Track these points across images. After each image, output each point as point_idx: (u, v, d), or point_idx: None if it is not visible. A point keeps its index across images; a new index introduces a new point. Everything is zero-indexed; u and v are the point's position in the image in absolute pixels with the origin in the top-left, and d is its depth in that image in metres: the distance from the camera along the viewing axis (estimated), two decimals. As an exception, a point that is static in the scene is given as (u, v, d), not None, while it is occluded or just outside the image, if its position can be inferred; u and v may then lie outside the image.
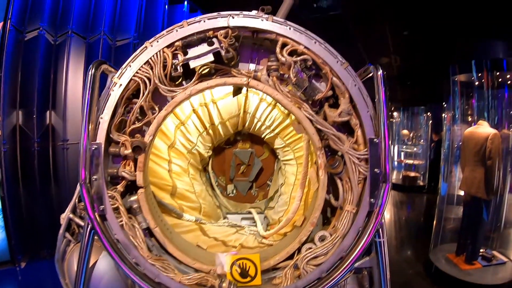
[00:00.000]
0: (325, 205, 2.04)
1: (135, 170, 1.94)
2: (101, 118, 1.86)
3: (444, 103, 7.88)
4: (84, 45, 5.63)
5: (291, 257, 2.03)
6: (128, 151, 1.85)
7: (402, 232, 8.35)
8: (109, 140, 1.90)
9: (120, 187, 1.95)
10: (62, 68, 5.47)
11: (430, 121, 14.49)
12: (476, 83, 6.49)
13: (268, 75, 1.92)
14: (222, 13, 1.87)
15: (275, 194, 3.44)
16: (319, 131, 1.93)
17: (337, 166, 1.90)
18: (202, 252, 2.32)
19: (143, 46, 1.87)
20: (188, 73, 1.90)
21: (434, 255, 6.13)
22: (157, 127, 1.95)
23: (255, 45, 2.01)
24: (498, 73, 6.11)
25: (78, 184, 1.88)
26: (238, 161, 3.55)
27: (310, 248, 1.97)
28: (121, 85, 1.86)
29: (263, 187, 3.69)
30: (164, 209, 2.51)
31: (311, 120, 1.91)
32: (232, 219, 3.22)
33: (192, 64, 1.84)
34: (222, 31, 1.84)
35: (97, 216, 1.87)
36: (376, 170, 1.84)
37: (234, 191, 3.65)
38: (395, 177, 13.82)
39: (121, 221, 1.93)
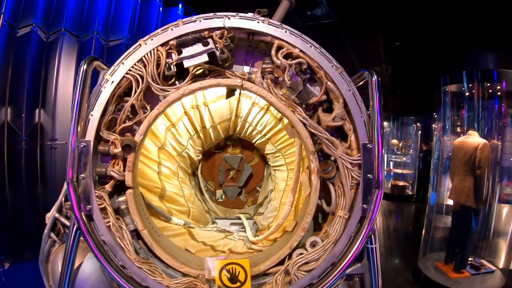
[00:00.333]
0: (317, 211, 2.01)
1: (124, 170, 1.90)
2: (91, 115, 1.82)
3: (434, 113, 7.95)
4: (77, 43, 5.55)
5: (281, 262, 2.01)
6: (118, 150, 1.81)
7: (391, 240, 8.37)
8: (98, 138, 1.86)
9: (108, 187, 1.90)
10: (53, 66, 5.38)
11: (420, 132, 14.67)
12: (467, 93, 6.56)
13: (263, 78, 1.91)
14: (218, 13, 1.86)
15: (265, 200, 3.41)
16: (312, 135, 1.93)
17: (330, 171, 1.89)
18: (190, 256, 2.28)
19: (137, 43, 1.84)
20: (182, 73, 1.88)
21: (423, 263, 6.15)
22: (148, 126, 1.91)
23: (250, 47, 2.00)
24: (488, 84, 6.18)
25: (65, 183, 1.83)
26: (228, 166, 3.52)
27: (301, 254, 1.95)
28: (113, 82, 1.82)
29: (252, 193, 3.66)
30: (152, 212, 2.46)
31: (304, 124, 1.90)
32: (221, 224, 3.20)
33: (186, 63, 1.82)
34: (218, 32, 1.82)
35: (83, 216, 1.82)
36: (369, 175, 1.84)
37: (223, 196, 3.61)
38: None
39: (108, 222, 1.88)
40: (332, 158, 1.94)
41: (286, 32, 1.86)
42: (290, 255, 2.00)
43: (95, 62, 1.89)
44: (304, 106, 1.91)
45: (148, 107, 1.90)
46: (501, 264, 6.08)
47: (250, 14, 1.88)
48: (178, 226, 2.66)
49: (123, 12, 5.92)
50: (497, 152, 6.25)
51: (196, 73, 1.88)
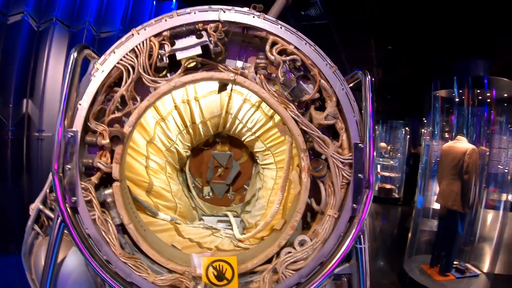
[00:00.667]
0: (306, 209, 2.01)
1: (111, 162, 1.85)
2: (80, 104, 1.77)
3: (424, 118, 8.01)
4: (68, 34, 5.47)
5: (269, 261, 1.99)
6: (106, 141, 1.77)
7: (377, 242, 8.42)
8: (86, 129, 1.81)
9: (94, 179, 1.85)
10: (43, 56, 5.29)
11: (408, 136, 14.82)
12: (457, 99, 6.62)
13: (256, 73, 1.89)
14: (213, 6, 1.83)
15: (252, 198, 3.40)
16: (304, 133, 1.91)
17: (320, 169, 1.88)
18: (176, 252, 2.25)
19: (130, 33, 1.81)
20: (174, 66, 1.85)
21: (408, 265, 6.19)
22: (137, 118, 1.87)
23: (244, 42, 1.98)
24: (479, 91, 6.24)
25: (50, 173, 1.78)
26: (216, 164, 3.50)
27: (289, 252, 1.93)
28: (103, 71, 1.78)
29: (240, 191, 3.65)
30: (139, 206, 2.42)
31: (296, 121, 1.89)
32: (208, 221, 3.17)
33: (179, 55, 1.79)
34: (212, 25, 1.80)
35: (68, 208, 1.77)
36: (359, 175, 1.83)
37: (211, 194, 3.59)
38: (371, 188, 13.99)
39: (94, 215, 1.84)
40: (323, 157, 1.93)
41: (281, 28, 1.85)
42: (278, 254, 1.99)
43: (85, 50, 1.84)
44: (296, 103, 1.90)
45: (138, 99, 1.86)
46: (485, 268, 6.15)
47: (245, 9, 1.86)
48: (165, 221, 2.62)
49: (116, 4, 5.84)
50: (485, 158, 6.32)
51: (189, 66, 1.85)
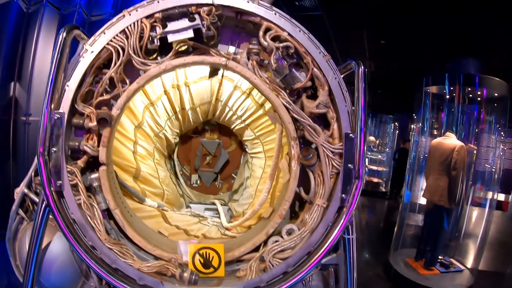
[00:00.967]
0: (294, 198, 1.99)
1: (98, 145, 1.82)
2: (67, 85, 1.72)
3: (414, 114, 8.05)
4: (58, 16, 5.35)
5: (256, 249, 1.99)
6: (93, 123, 1.73)
7: (363, 235, 8.49)
8: (73, 111, 1.76)
9: (80, 163, 1.82)
10: (31, 39, 5.16)
11: (397, 131, 14.92)
12: (447, 96, 6.66)
13: (248, 59, 1.86)
14: None
15: (240, 187, 3.40)
16: (295, 121, 1.90)
17: (311, 157, 1.87)
18: (163, 239, 2.23)
19: (121, 14, 1.76)
20: (165, 49, 1.80)
21: (393, 258, 6.25)
22: (126, 100, 1.83)
23: (237, 27, 1.95)
24: (469, 89, 6.28)
25: (36, 156, 1.74)
26: (205, 151, 3.49)
27: (277, 241, 1.93)
28: (92, 52, 1.73)
29: (228, 180, 3.65)
30: (125, 192, 2.39)
31: (288, 109, 1.87)
32: (195, 208, 3.16)
33: (171, 38, 1.75)
34: (206, 8, 1.75)
35: (53, 192, 1.72)
36: (349, 165, 1.82)
37: (198, 182, 3.59)
38: (358, 181, 14.10)
39: (79, 199, 1.80)
40: (313, 146, 1.92)
41: (275, 14, 1.81)
42: (265, 242, 1.98)
43: (75, 31, 1.79)
44: (288, 91, 1.87)
45: (128, 81, 1.82)
46: (469, 264, 6.25)
47: None
48: (152, 208, 2.60)
49: (109, -13, 5.73)
50: (473, 156, 6.38)
51: (180, 49, 1.81)
